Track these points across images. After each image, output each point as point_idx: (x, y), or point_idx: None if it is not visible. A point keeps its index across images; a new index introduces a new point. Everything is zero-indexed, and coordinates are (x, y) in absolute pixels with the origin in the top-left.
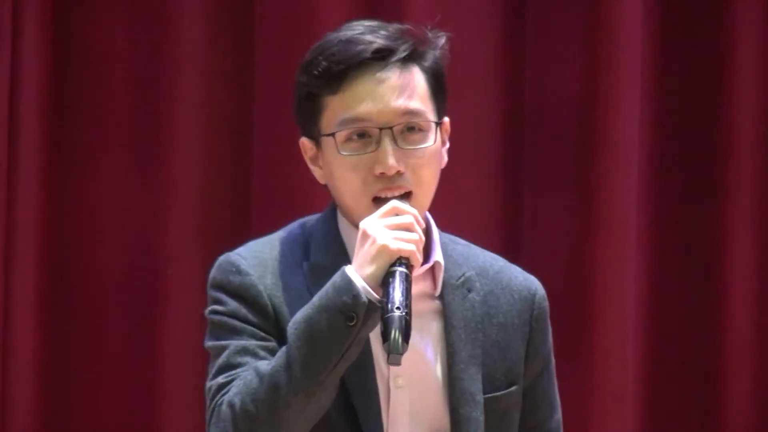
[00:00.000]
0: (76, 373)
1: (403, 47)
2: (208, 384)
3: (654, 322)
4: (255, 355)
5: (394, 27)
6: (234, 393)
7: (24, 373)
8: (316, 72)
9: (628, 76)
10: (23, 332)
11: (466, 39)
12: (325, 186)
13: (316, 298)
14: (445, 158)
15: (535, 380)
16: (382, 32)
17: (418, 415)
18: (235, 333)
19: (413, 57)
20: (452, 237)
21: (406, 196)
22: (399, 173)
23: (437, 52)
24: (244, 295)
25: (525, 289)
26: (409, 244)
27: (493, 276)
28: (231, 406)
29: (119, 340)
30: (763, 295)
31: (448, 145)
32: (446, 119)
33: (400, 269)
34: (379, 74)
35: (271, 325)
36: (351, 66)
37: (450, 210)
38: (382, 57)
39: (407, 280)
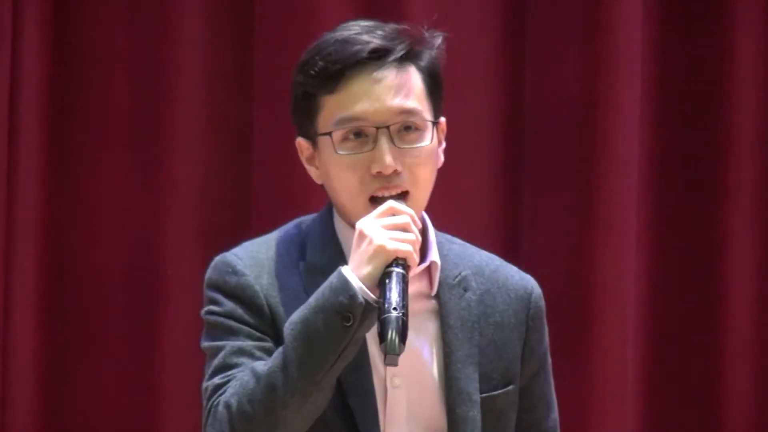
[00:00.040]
0: (76, 373)
1: (399, 47)
2: (205, 385)
3: (654, 322)
4: (251, 355)
5: (391, 27)
6: (230, 394)
7: (24, 373)
8: (312, 72)
9: (628, 76)
10: (23, 332)
11: (466, 39)
12: (322, 186)
13: (312, 299)
14: (442, 158)
15: (532, 379)
16: (379, 32)
17: (415, 415)
18: (232, 333)
19: (410, 57)
20: (448, 236)
21: (402, 196)
22: (396, 172)
23: (434, 52)
24: (240, 295)
25: (521, 288)
26: (405, 244)
27: (490, 275)
28: (228, 406)
29: (119, 340)
30: (763, 295)
31: (444, 145)
32: (443, 119)
33: (397, 270)
34: (375, 74)
35: (268, 326)
36: (347, 65)
37: (450, 210)
38: (378, 57)
39: (404, 281)
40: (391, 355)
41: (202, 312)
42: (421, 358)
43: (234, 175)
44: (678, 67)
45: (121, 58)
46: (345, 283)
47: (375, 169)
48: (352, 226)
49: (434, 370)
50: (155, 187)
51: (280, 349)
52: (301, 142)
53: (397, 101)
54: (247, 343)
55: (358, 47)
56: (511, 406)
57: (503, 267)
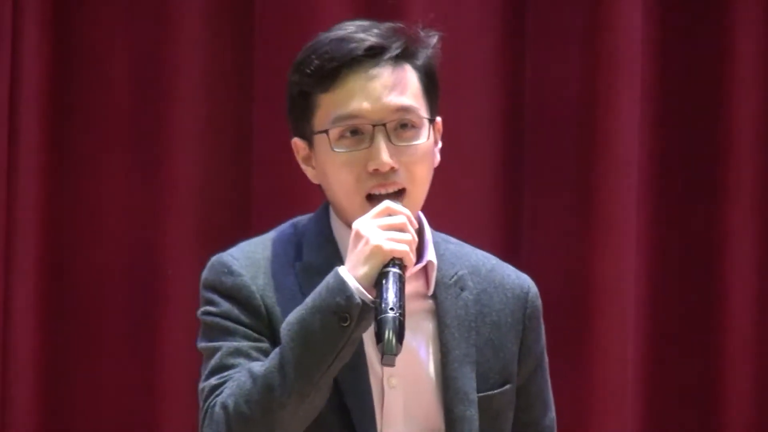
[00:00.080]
0: (76, 373)
1: (395, 45)
2: (201, 385)
3: (654, 322)
4: (248, 356)
5: (387, 26)
6: (227, 394)
7: (24, 373)
8: (308, 70)
9: (628, 76)
10: (23, 332)
11: (466, 38)
12: (319, 186)
13: (309, 299)
14: (438, 157)
15: (529, 379)
16: (375, 30)
17: (412, 415)
18: (228, 334)
19: (405, 55)
20: (444, 236)
21: (399, 193)
22: (393, 170)
23: (429, 51)
24: (237, 295)
25: (518, 287)
26: (402, 244)
27: (486, 275)
28: (224, 407)
29: (119, 340)
30: (763, 295)
31: (440, 144)
32: (438, 119)
33: (394, 270)
34: (371, 71)
35: (264, 326)
36: (343, 63)
37: (450, 210)
38: (374, 54)
39: (400, 281)
40: (389, 356)
41: (199, 312)
42: (418, 358)
43: (234, 175)
44: (678, 67)
45: (121, 58)
46: (342, 284)
47: (372, 167)
48: (349, 225)
49: (431, 369)
50: (155, 187)
51: (277, 349)
52: (297, 143)
53: (394, 98)
54: (244, 344)
55: (353, 45)
56: (508, 405)
57: (499, 266)
